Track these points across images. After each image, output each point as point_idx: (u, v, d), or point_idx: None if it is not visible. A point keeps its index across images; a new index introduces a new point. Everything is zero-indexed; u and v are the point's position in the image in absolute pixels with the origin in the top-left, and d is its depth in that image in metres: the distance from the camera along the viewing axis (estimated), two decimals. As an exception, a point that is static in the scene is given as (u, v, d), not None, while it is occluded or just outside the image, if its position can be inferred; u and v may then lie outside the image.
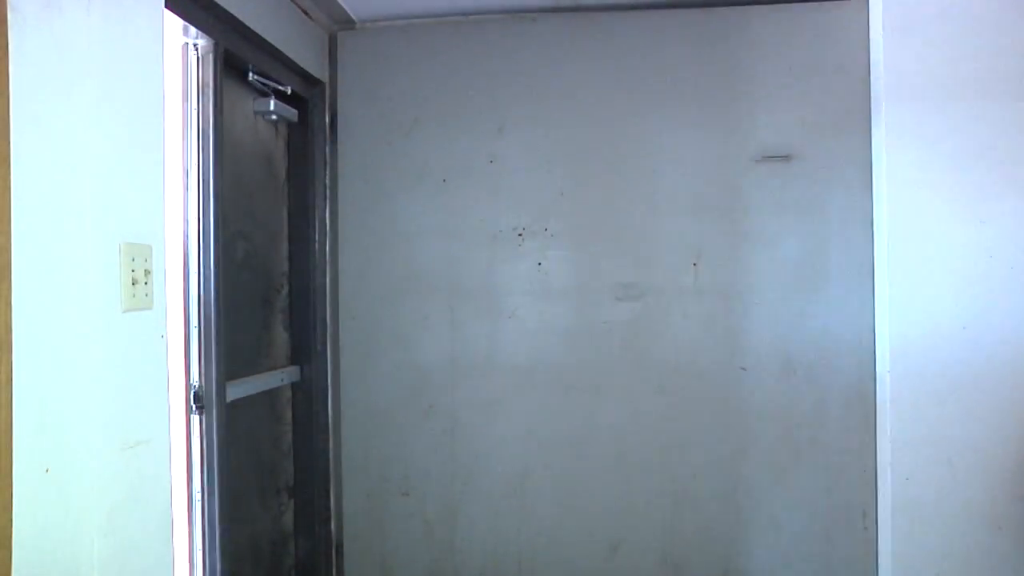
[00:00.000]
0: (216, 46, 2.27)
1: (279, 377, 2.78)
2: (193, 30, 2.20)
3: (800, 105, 2.80)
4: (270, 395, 2.78)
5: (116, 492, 1.18)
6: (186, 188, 2.25)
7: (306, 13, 2.81)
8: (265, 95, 2.64)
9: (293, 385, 2.92)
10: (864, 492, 2.75)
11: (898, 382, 2.61)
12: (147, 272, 1.25)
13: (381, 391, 2.97)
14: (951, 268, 2.58)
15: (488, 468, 2.92)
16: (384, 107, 2.97)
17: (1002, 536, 2.56)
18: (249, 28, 2.37)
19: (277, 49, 2.57)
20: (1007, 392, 2.56)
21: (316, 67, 2.90)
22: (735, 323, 2.83)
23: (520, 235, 2.93)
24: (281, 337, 2.88)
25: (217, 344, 2.26)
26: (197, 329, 2.24)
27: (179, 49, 2.26)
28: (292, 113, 2.80)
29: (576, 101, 2.90)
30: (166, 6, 1.41)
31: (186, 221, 2.25)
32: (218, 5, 2.17)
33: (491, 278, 2.94)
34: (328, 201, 3.01)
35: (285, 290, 2.92)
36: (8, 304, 0.98)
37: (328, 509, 3.01)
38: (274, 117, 2.70)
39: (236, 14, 2.26)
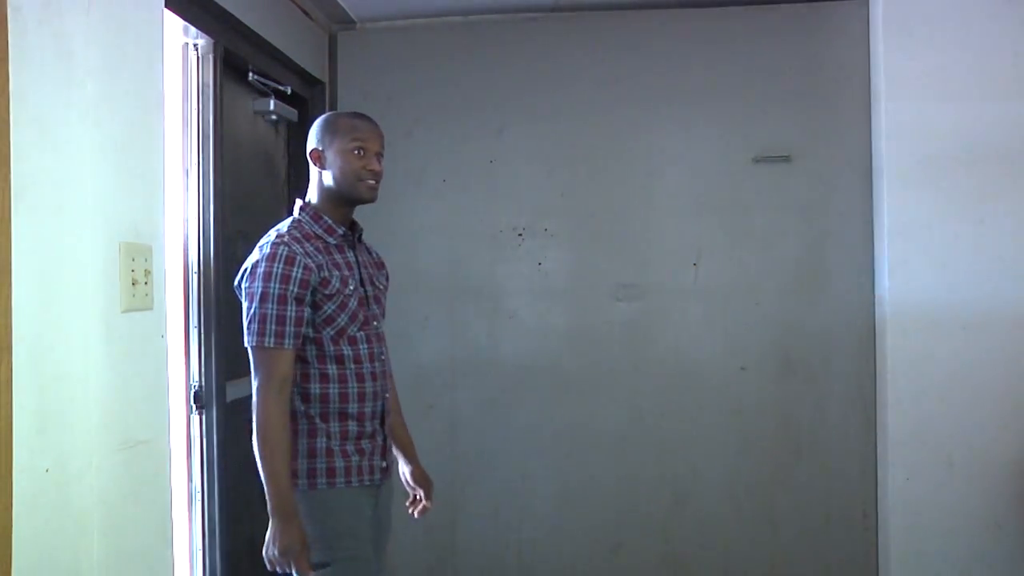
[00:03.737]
0: (216, 46, 2.27)
1: (279, 377, 2.78)
2: (193, 30, 2.20)
3: (800, 105, 2.80)
4: (270, 395, 2.77)
5: (116, 492, 1.18)
6: (186, 188, 2.25)
7: (306, 13, 2.81)
8: (265, 95, 2.64)
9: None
10: (864, 492, 2.75)
11: (898, 382, 2.61)
12: (147, 272, 1.25)
13: (381, 391, 2.96)
14: (951, 268, 2.58)
15: (488, 468, 2.92)
16: (384, 107, 2.96)
17: (1002, 536, 2.56)
18: (249, 28, 2.37)
19: (277, 49, 2.57)
20: (1007, 392, 2.56)
21: (316, 67, 2.90)
22: (735, 323, 2.82)
23: (520, 235, 2.93)
24: (281, 337, 2.87)
25: (217, 344, 2.26)
26: (197, 329, 2.24)
27: (179, 49, 2.26)
28: (292, 113, 2.80)
29: (576, 101, 2.89)
30: (166, 6, 1.41)
31: (186, 221, 2.25)
32: (218, 5, 2.17)
33: (491, 278, 2.93)
34: (328, 201, 3.00)
35: (285, 290, 2.91)
36: (8, 304, 0.98)
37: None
38: (274, 117, 2.70)
39: (236, 14, 2.26)
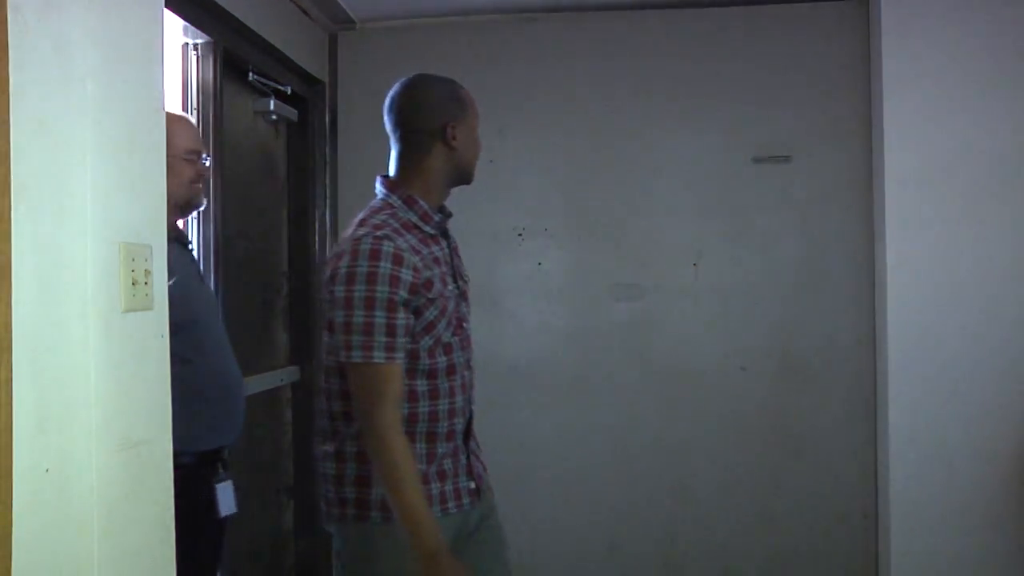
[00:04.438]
0: (216, 46, 2.27)
1: (279, 377, 2.78)
2: (193, 30, 2.20)
3: (800, 105, 2.80)
4: (270, 395, 2.77)
5: (116, 492, 1.18)
6: (186, 188, 2.25)
7: (306, 13, 2.81)
8: (265, 95, 2.64)
9: (293, 385, 2.91)
10: (864, 492, 2.75)
11: (898, 382, 2.61)
12: (147, 272, 1.25)
13: (381, 391, 2.96)
14: (951, 268, 2.58)
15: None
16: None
17: (1002, 536, 2.56)
18: (249, 28, 2.36)
19: (277, 49, 2.57)
20: (1007, 392, 2.56)
21: (316, 67, 2.90)
22: (735, 323, 2.82)
23: (520, 235, 2.93)
24: (281, 337, 2.88)
25: (217, 344, 2.25)
26: (197, 329, 2.24)
27: (179, 49, 2.26)
28: (292, 113, 2.80)
29: (576, 101, 2.89)
30: (166, 6, 1.41)
31: (186, 221, 2.25)
32: (218, 5, 2.17)
33: (491, 278, 2.93)
34: (328, 201, 3.00)
35: (285, 290, 2.91)
36: (8, 304, 0.98)
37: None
38: (274, 117, 2.70)
39: (236, 14, 2.26)
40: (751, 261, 2.82)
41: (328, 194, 3.00)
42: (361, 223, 1.57)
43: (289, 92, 2.73)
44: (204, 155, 2.03)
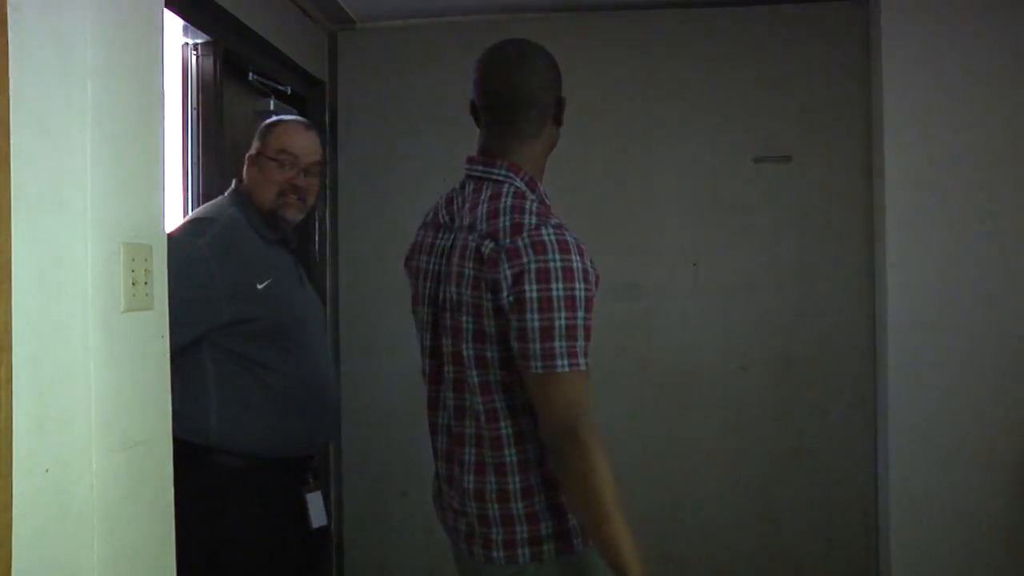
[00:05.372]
0: (216, 46, 2.27)
1: (279, 377, 2.77)
2: (193, 30, 2.20)
3: (800, 105, 2.80)
4: (270, 395, 2.77)
5: (116, 492, 1.18)
6: (186, 188, 2.26)
7: (306, 13, 2.81)
8: (265, 95, 2.64)
9: (293, 385, 2.91)
10: (864, 492, 2.75)
11: (898, 382, 2.61)
12: (147, 272, 1.25)
13: (381, 391, 2.96)
14: (951, 267, 2.58)
15: (488, 468, 2.91)
16: (384, 107, 2.96)
17: (1002, 535, 2.56)
18: (249, 28, 2.37)
19: (277, 49, 2.57)
20: (1007, 392, 2.56)
21: (316, 67, 2.90)
22: (735, 323, 2.82)
23: (520, 235, 2.92)
24: (281, 337, 2.87)
25: (217, 344, 2.25)
26: (197, 329, 2.23)
27: (179, 49, 2.26)
28: (292, 113, 2.80)
29: (576, 101, 2.86)
30: (166, 6, 1.41)
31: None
32: (218, 5, 2.17)
33: (491, 278, 2.93)
34: (328, 201, 3.00)
35: (285, 290, 2.91)
36: (8, 304, 0.98)
37: (328, 509, 3.00)
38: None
39: (236, 14, 2.26)
40: (751, 261, 2.82)
41: (328, 194, 3.00)
42: (515, 209, 1.33)
43: (289, 92, 2.73)
44: (301, 164, 1.88)
